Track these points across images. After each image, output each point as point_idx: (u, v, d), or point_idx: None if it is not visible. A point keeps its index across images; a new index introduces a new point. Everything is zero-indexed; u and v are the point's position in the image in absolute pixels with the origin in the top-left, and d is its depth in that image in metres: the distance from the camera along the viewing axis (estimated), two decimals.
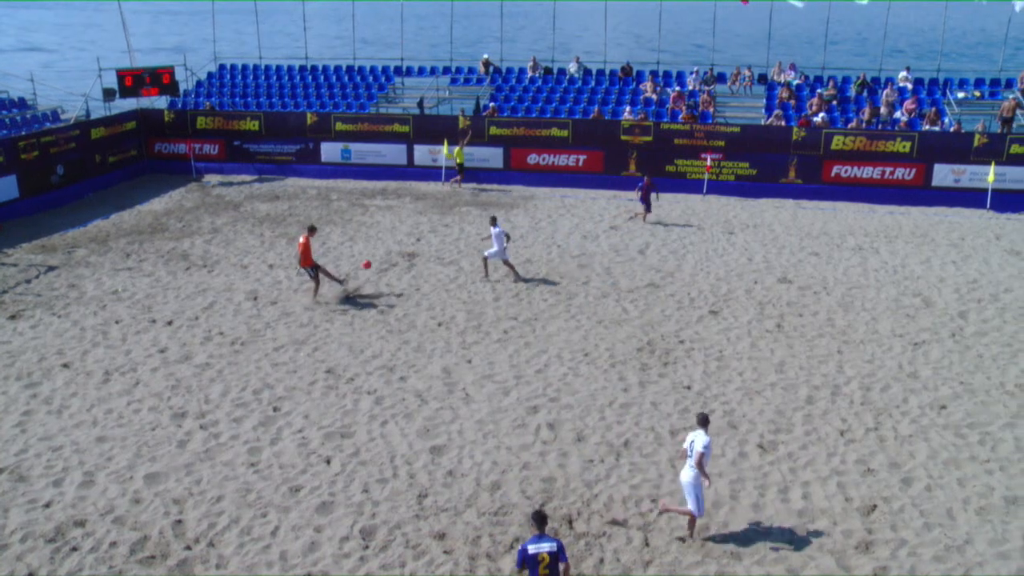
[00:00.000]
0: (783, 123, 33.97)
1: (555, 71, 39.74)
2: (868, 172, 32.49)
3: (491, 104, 36.41)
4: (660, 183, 33.21)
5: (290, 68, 41.28)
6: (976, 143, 31.70)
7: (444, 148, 34.49)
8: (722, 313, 21.28)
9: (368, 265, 23.36)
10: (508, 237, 23.51)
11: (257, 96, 39.44)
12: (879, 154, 32.29)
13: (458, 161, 33.81)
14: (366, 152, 35.63)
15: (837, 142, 32.51)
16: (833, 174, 32.73)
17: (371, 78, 40.40)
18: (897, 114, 34.08)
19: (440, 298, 22.18)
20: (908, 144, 32.06)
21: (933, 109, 33.52)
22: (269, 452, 14.93)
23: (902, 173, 32.27)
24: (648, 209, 29.19)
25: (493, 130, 34.57)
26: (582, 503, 13.57)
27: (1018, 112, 33.63)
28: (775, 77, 37.77)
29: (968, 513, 13.35)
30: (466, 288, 22.89)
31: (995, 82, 36.39)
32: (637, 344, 19.41)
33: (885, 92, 35.25)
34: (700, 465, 12.25)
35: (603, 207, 31.31)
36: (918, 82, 36.53)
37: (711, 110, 35.70)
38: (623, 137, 33.90)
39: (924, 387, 17.49)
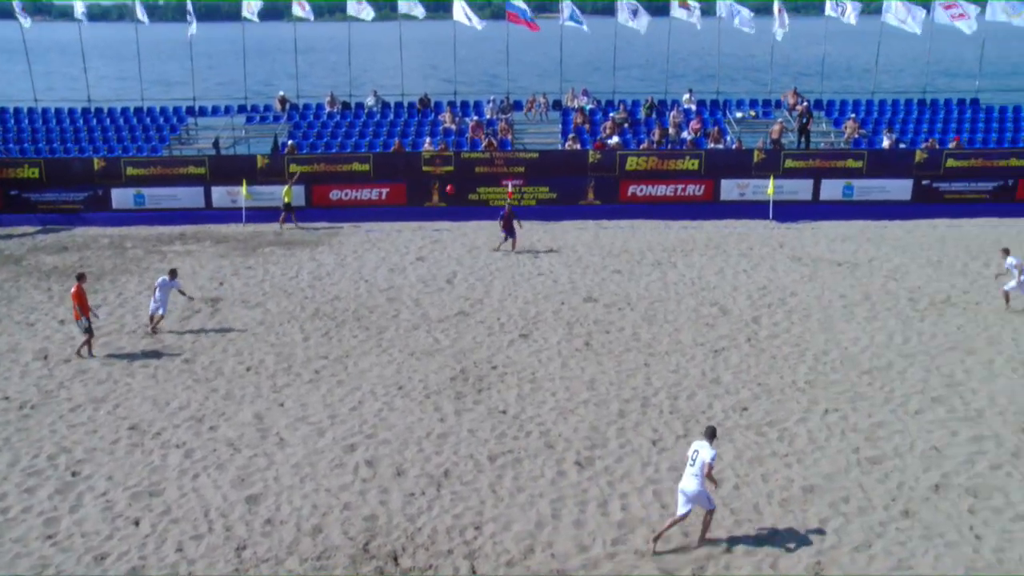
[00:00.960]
0: (579, 147, 35.19)
1: (353, 105, 39.57)
2: (661, 190, 34.12)
3: (290, 141, 35.79)
4: (463, 212, 33.67)
5: (71, 111, 39.08)
6: (756, 159, 33.97)
7: (243, 189, 33.55)
8: (532, 336, 21.70)
9: None
10: None
11: (35, 142, 37.05)
12: (670, 172, 34.00)
13: (286, 200, 32.99)
14: (161, 196, 34.15)
15: (631, 163, 33.99)
16: (629, 193, 34.18)
17: (162, 119, 38.84)
18: (684, 134, 36.03)
19: (247, 342, 21.48)
20: (696, 162, 33.94)
21: (716, 128, 35.67)
22: (69, 521, 13.93)
23: (692, 189, 34.09)
24: (513, 237, 29.35)
25: (293, 167, 33.96)
26: (406, 538, 13.42)
27: (786, 131, 36.29)
28: (569, 103, 39.12)
29: (772, 506, 14.14)
30: (274, 330, 22.28)
31: (767, 102, 39.17)
32: (450, 373, 19.47)
33: (672, 114, 37.20)
34: (710, 476, 12.95)
35: (408, 239, 31.33)
36: (701, 103, 38.79)
37: (509, 137, 36.52)
38: (425, 168, 34.11)
39: (726, 391, 18.45)
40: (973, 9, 36.11)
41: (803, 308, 23.68)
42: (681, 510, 12.99)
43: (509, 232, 29.32)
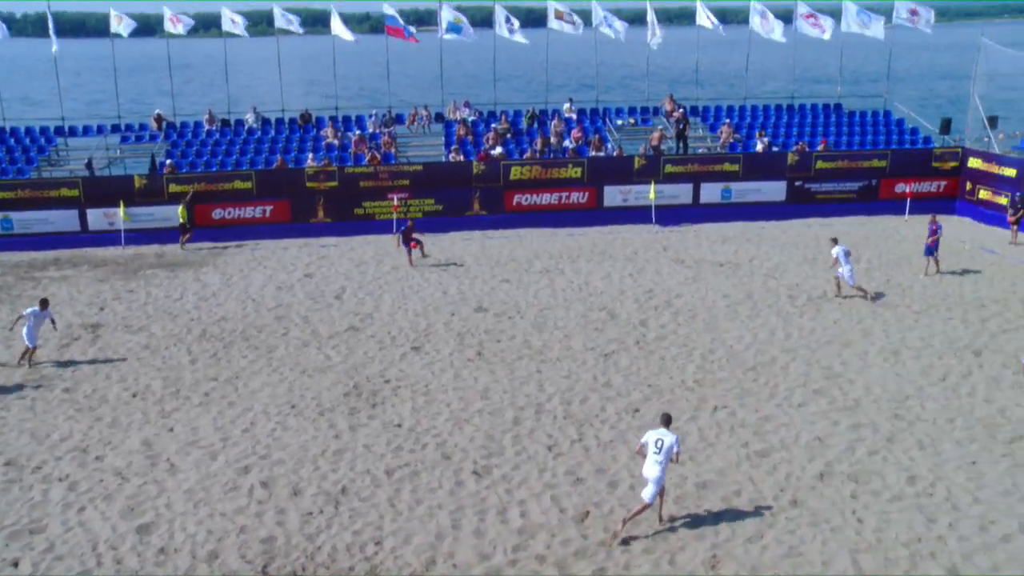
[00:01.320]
0: (463, 158, 35.30)
1: (232, 122, 38.73)
2: (546, 198, 34.54)
3: (168, 161, 34.75)
4: (349, 227, 33.39)
5: None
6: (636, 165, 34.74)
7: (121, 210, 32.41)
8: (424, 348, 21.65)
9: None
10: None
11: None
12: (554, 181, 34.45)
13: (181, 220, 32.03)
14: (31, 220, 32.67)
15: (515, 172, 34.29)
16: (515, 203, 34.46)
17: (28, 140, 37.17)
18: (566, 143, 36.56)
19: (132, 367, 20.76)
20: (579, 170, 34.49)
21: (597, 136, 36.32)
22: None
23: (576, 197, 34.62)
24: (419, 249, 29.53)
25: (173, 187, 33.02)
26: (306, 558, 13.19)
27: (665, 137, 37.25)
28: (451, 115, 39.20)
29: (668, 503, 14.46)
30: (159, 354, 21.60)
31: (645, 110, 40.11)
32: (343, 389, 19.25)
33: (553, 123, 37.70)
34: (677, 459, 13.68)
35: (295, 256, 30.84)
36: (581, 112, 39.45)
37: (393, 151, 36.36)
38: (308, 184, 33.65)
39: (618, 394, 18.78)
40: (830, 23, 38.06)
41: (689, 309, 24.32)
42: (649, 499, 13.64)
43: (408, 246, 29.34)
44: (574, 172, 34.53)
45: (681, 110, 38.59)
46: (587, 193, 34.66)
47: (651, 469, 13.57)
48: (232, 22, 39.14)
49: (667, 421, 14.01)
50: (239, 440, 16.95)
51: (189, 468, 15.90)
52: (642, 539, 13.52)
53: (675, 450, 13.58)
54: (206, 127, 38.09)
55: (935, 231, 27.55)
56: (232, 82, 44.59)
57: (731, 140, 37.43)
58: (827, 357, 20.87)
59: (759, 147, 36.80)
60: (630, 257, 29.72)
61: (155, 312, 24.87)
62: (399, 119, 39.23)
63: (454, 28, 37.53)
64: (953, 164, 37.02)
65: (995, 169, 35.40)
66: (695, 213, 34.96)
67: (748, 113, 40.45)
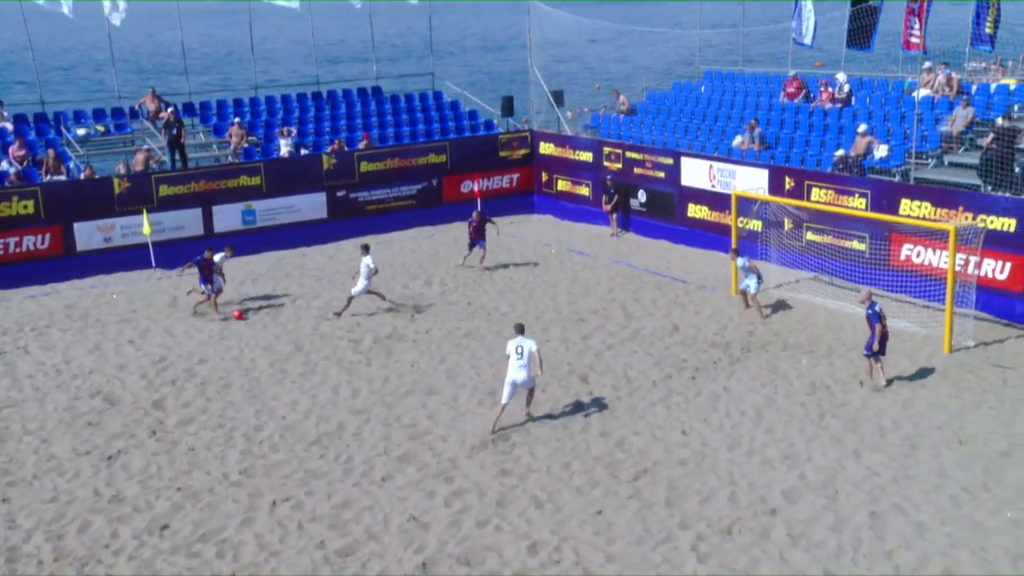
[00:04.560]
0: None
1: None
2: None
3: None
4: None
5: None
6: (118, 190, 33.61)
7: None
8: None
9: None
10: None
11: None
12: None
13: None
14: None
15: None
16: None
17: None
18: (3, 165, 34.26)
19: None
20: (30, 203, 32.50)
21: (51, 153, 34.55)
22: None
23: (32, 242, 32.65)
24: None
25: None
26: None
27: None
28: None
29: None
30: None
31: (118, 111, 38.97)
32: None
33: None
34: (540, 360, 20.48)
35: None
36: (20, 121, 37.23)
37: None
38: None
39: (135, 509, 17.91)
40: None
41: (220, 377, 23.96)
42: (506, 400, 20.23)
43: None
44: (23, 207, 32.48)
45: (170, 109, 38.04)
46: (48, 235, 32.84)
47: (518, 373, 20.10)
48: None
49: (521, 329, 20.73)
50: None
51: None
52: None
53: (537, 353, 20.18)
54: None
55: (475, 226, 31.65)
56: None
57: (245, 144, 37.64)
58: (410, 411, 21.59)
59: (284, 150, 37.36)
60: (127, 318, 28.65)
61: None
62: None
63: None
64: (524, 152, 40.43)
65: (571, 154, 39.20)
66: (211, 246, 34.51)
67: (263, 106, 40.87)
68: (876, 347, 22.27)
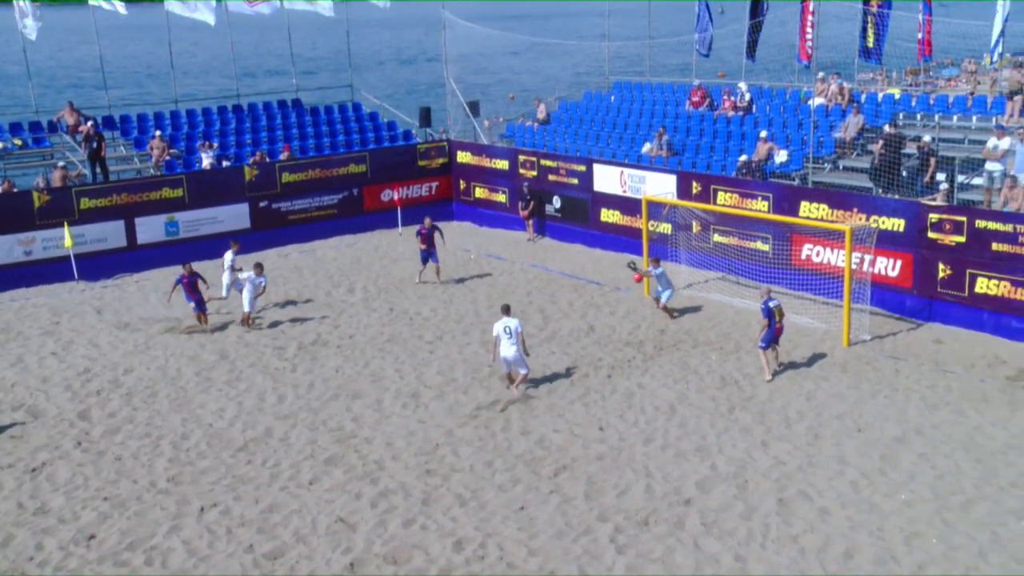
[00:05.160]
0: None
1: None
2: None
3: None
4: None
5: None
6: (39, 203, 33.00)
7: None
8: None
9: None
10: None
11: None
12: None
13: None
14: None
15: None
16: None
17: None
18: None
19: None
20: None
21: None
22: None
23: None
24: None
25: None
26: None
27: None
28: None
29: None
30: None
31: (36, 125, 38.29)
32: None
33: None
34: (523, 340, 22.22)
35: None
36: None
37: None
38: None
39: (61, 520, 17.59)
40: None
41: (146, 387, 23.65)
42: (508, 370, 22.37)
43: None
44: None
45: (90, 123, 37.47)
46: None
47: (508, 351, 21.69)
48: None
49: (506, 310, 22.31)
50: None
51: None
52: None
53: (520, 333, 21.76)
54: None
55: (424, 233, 30.66)
56: None
57: (167, 157, 37.21)
58: (335, 416, 21.52)
59: (205, 162, 37.00)
60: (50, 330, 28.15)
61: None
62: None
63: None
64: (442, 161, 40.48)
65: (487, 162, 39.34)
66: (134, 259, 34.10)
67: (183, 119, 40.46)
68: (759, 341, 23.06)
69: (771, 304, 22.83)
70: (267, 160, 37.69)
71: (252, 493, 18.25)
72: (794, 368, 23.49)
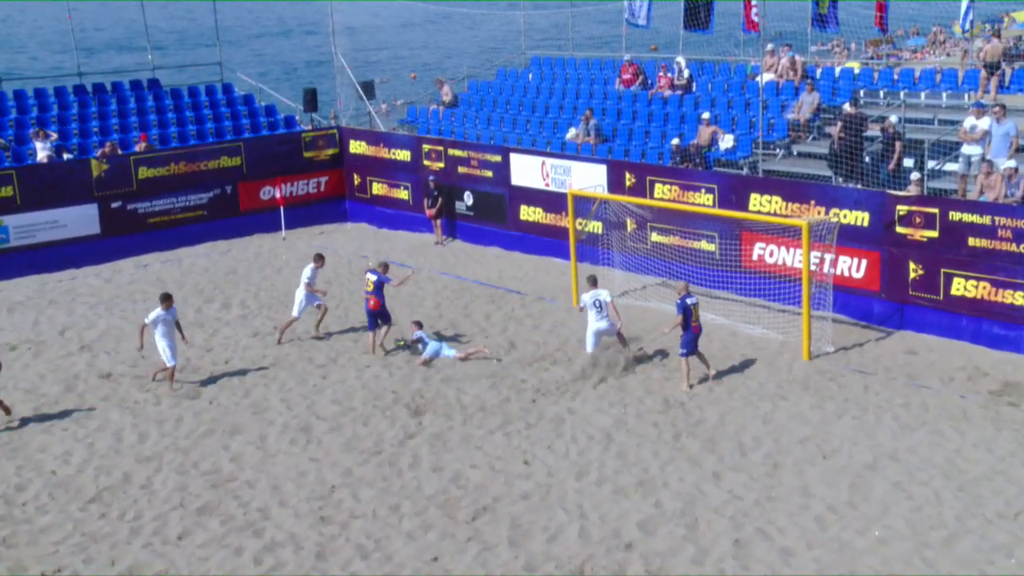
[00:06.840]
0: None
1: None
2: None
3: None
4: None
5: None
6: None
7: None
8: None
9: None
10: None
11: None
12: None
13: None
14: None
15: None
16: None
17: None
18: None
19: None
20: None
21: None
22: None
23: None
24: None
25: None
26: None
27: None
28: None
29: None
30: None
31: None
32: None
33: None
34: (615, 309, 24.73)
35: None
36: None
37: None
38: None
39: None
40: None
41: None
42: (591, 349, 24.68)
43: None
44: None
45: None
46: None
47: (600, 323, 24.47)
48: None
49: (594, 281, 25.00)
50: None
51: None
52: None
53: (612, 303, 24.57)
54: None
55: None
56: None
57: None
58: (210, 455, 21.14)
59: (41, 154, 36.11)
60: None
61: None
62: None
63: None
64: (332, 152, 40.20)
65: (386, 153, 39.15)
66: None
67: (10, 102, 39.28)
68: (680, 348, 23.59)
69: (689, 301, 23.20)
70: (119, 152, 37.01)
71: (107, 553, 17.79)
72: (748, 387, 23.60)
